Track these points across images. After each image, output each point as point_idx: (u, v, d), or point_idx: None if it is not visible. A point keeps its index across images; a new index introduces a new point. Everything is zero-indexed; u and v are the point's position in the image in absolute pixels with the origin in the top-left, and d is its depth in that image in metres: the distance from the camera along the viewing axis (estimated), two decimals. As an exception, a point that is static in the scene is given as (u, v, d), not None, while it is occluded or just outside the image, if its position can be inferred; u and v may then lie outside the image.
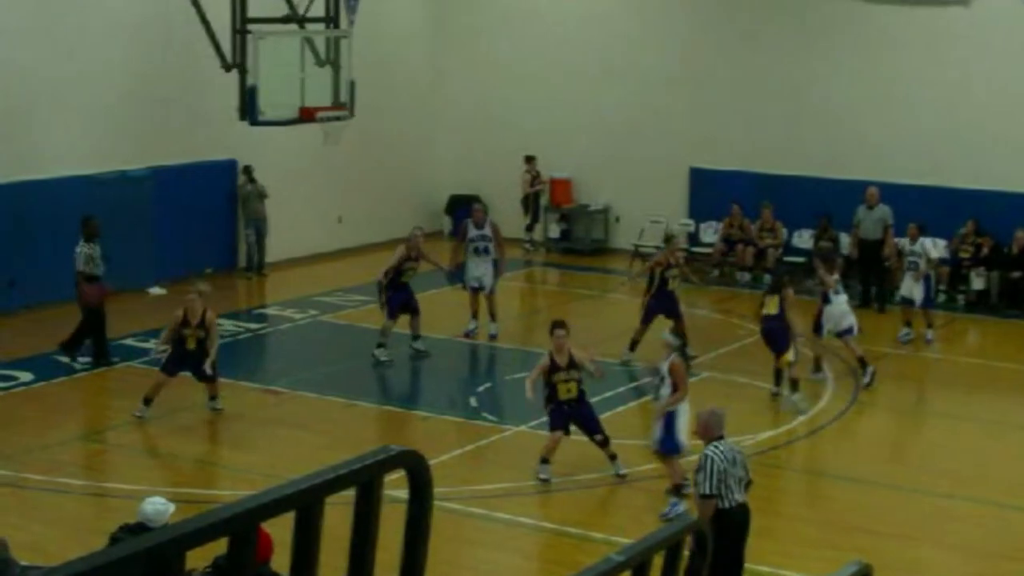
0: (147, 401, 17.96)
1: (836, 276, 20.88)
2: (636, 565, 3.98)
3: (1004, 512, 15.90)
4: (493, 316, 22.85)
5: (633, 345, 21.28)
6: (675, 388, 15.20)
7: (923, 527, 15.63)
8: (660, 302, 21.19)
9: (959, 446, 18.24)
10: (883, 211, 26.09)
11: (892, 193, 26.24)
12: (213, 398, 18.36)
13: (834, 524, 15.22)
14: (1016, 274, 25.97)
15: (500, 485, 16.13)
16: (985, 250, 26.40)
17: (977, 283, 26.07)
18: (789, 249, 28.35)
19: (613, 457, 16.22)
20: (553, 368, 16.16)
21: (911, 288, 23.46)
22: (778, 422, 18.72)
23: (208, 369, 18.15)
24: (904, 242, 24.08)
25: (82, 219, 21.03)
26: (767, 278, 27.72)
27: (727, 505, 11.89)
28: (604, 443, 16.17)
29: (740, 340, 23.10)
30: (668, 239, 22.27)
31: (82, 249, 20.63)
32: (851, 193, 26.57)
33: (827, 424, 18.89)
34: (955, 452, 17.87)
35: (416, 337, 21.76)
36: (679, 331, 17.30)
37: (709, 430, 12.23)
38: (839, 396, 20.10)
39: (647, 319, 21.17)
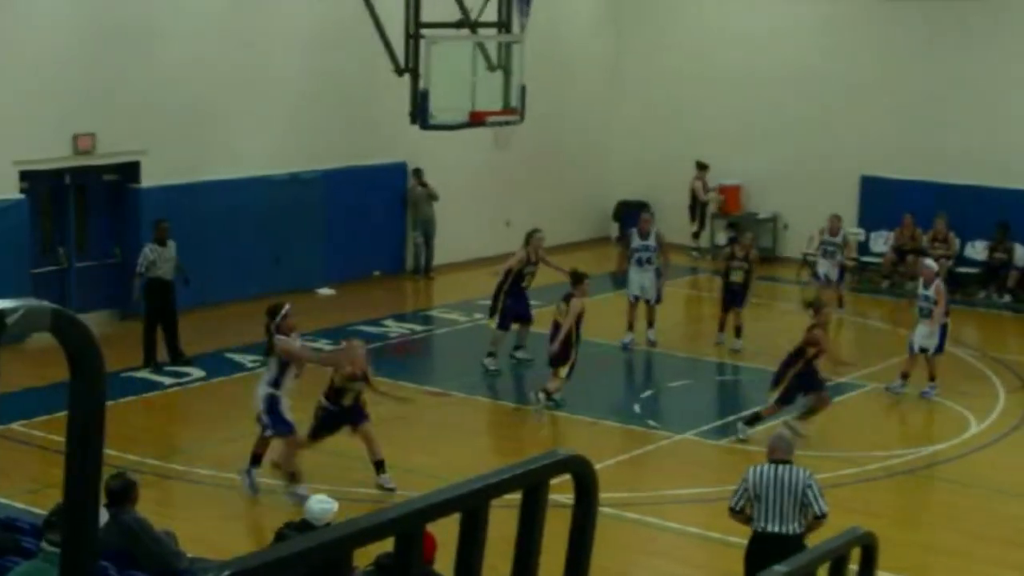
0: (292, 477, 15.58)
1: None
2: (801, 577, 3.94)
3: None
4: (651, 323, 22.71)
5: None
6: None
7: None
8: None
9: None
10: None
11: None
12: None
13: (1007, 541, 14.90)
14: None
15: (665, 492, 16.07)
16: None
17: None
18: (962, 260, 27.81)
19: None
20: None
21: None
22: (944, 436, 18.37)
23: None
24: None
25: (154, 223, 21.19)
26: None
27: (757, 528, 11.62)
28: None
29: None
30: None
31: (146, 251, 20.74)
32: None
33: (998, 440, 18.50)
34: None
35: (519, 347, 21.49)
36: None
37: (770, 451, 11.95)
38: (1010, 411, 19.69)
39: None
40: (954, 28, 28.32)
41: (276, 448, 15.60)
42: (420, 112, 21.54)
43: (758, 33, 30.44)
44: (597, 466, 3.47)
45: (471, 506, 3.25)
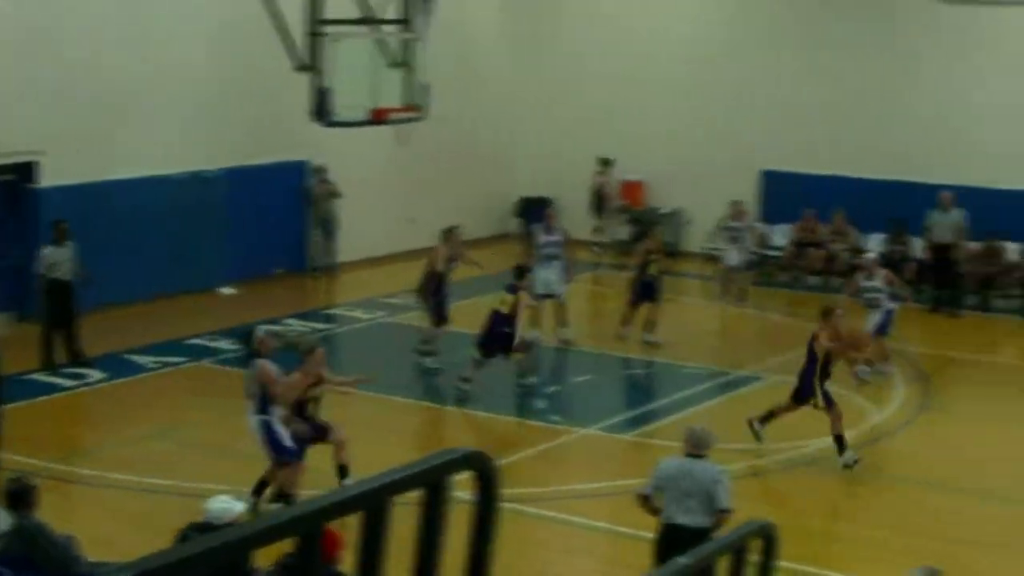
0: (287, 499, 14.83)
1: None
2: (702, 569, 3.98)
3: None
4: (564, 322, 22.74)
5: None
6: None
7: (996, 533, 15.50)
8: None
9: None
10: (957, 215, 25.91)
11: (970, 197, 26.07)
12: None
13: (906, 528, 15.09)
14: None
15: (570, 487, 16.13)
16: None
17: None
18: (861, 253, 28.13)
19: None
20: None
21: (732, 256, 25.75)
22: (845, 425, 18.57)
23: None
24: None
25: (52, 224, 20.90)
26: (837, 282, 27.66)
27: (665, 519, 11.72)
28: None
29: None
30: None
31: (44, 253, 20.55)
32: (927, 197, 26.39)
33: (898, 429, 18.76)
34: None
35: (427, 342, 21.61)
36: None
37: (683, 444, 12.06)
38: (910, 401, 19.97)
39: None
40: (850, 24, 28.66)
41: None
42: (322, 109, 21.46)
43: (659, 29, 30.65)
44: (501, 462, 3.48)
45: (372, 505, 3.24)
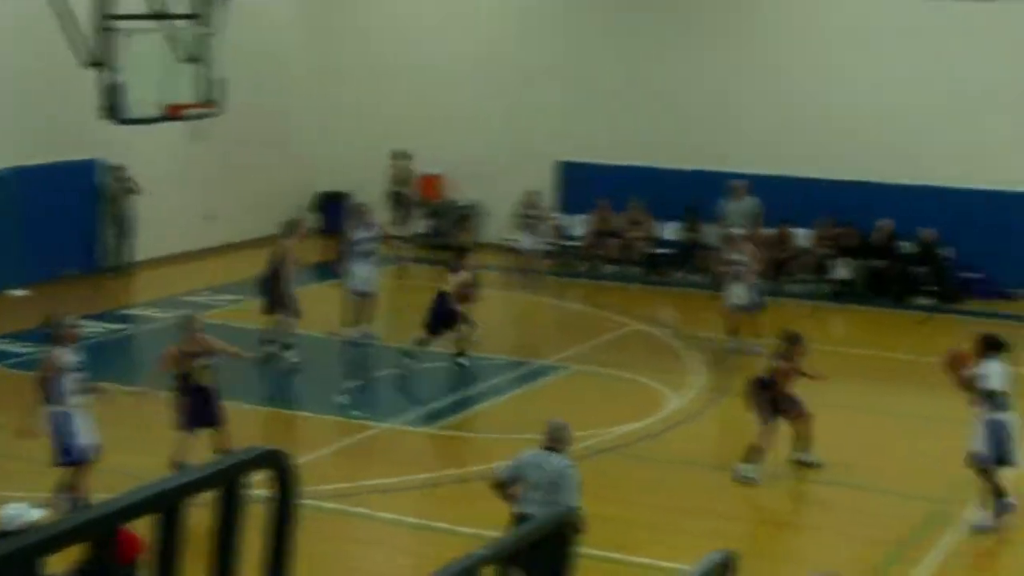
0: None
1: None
2: (501, 560, 4.01)
3: (879, 497, 16.14)
4: (370, 318, 22.70)
5: None
6: None
7: (799, 514, 15.88)
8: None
9: (831, 433, 18.44)
10: (750, 203, 26.46)
11: (762, 185, 26.66)
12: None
13: (708, 512, 15.36)
14: (880, 263, 26.51)
15: (371, 482, 16.08)
16: (849, 240, 26.89)
17: (842, 272, 26.52)
18: (657, 242, 28.65)
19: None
20: None
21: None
22: (643, 414, 18.83)
23: None
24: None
25: None
26: (635, 271, 28.09)
27: (516, 510, 11.81)
28: None
29: (608, 333, 23.36)
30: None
31: None
32: (720, 185, 26.93)
33: (695, 415, 19.08)
34: (828, 439, 18.06)
35: (271, 341, 21.42)
36: None
37: (545, 436, 12.19)
38: (706, 386, 20.34)
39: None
40: (643, 15, 29.07)
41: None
42: (113, 106, 21.07)
43: (451, 21, 30.75)
44: (301, 460, 3.47)
45: (167, 505, 3.21)
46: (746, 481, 16.15)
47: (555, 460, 11.78)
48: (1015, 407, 14.82)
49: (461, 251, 21.73)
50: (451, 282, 20.82)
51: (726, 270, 22.47)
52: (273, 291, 21.04)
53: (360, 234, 22.68)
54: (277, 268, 20.98)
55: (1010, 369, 14.85)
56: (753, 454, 16.25)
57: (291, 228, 21.65)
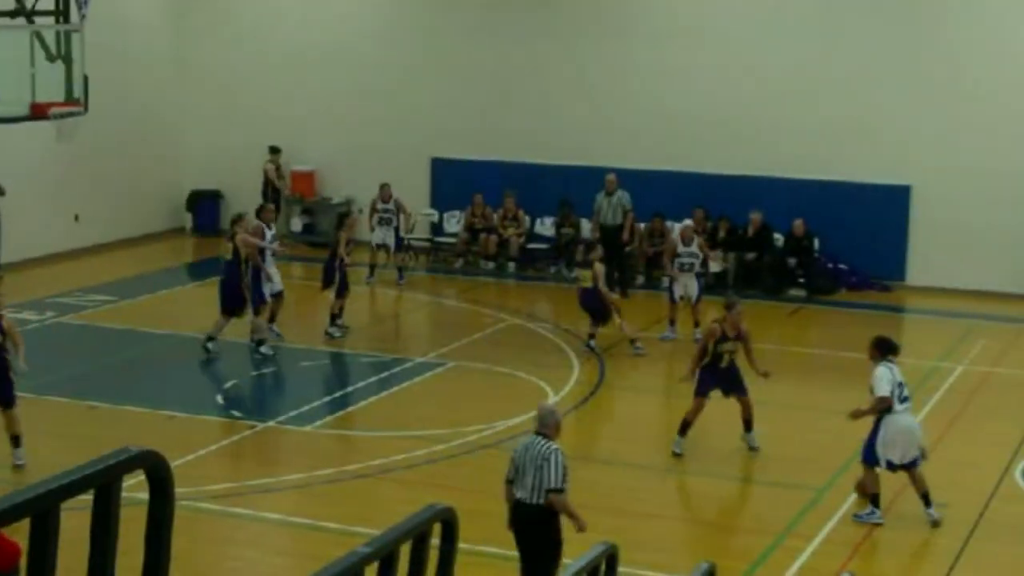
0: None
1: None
2: (383, 556, 3.98)
3: (752, 488, 16.31)
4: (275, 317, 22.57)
5: None
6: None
7: (673, 505, 15.99)
8: None
9: (709, 425, 18.60)
10: (621, 197, 26.63)
11: (633, 179, 26.82)
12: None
13: (587, 506, 15.41)
14: (752, 256, 26.82)
15: (249, 482, 15.96)
16: (722, 233, 27.16)
17: (714, 266, 26.75)
18: (532, 237, 28.75)
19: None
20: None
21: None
22: (522, 409, 18.86)
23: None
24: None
25: None
26: (511, 266, 28.17)
27: (512, 497, 11.94)
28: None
29: (485, 328, 23.39)
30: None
31: None
32: (593, 180, 27.05)
33: (578, 406, 19.15)
34: (705, 431, 18.21)
35: (212, 338, 21.47)
36: None
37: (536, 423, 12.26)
38: (584, 380, 20.43)
39: None
40: (513, 12, 29.13)
41: None
42: (-25, 106, 20.70)
43: (320, 16, 30.59)
44: (180, 460, 3.43)
45: (39, 509, 3.14)
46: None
47: (540, 443, 11.88)
48: (909, 408, 14.97)
49: (344, 219, 23.06)
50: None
51: (671, 265, 23.13)
52: (239, 285, 21.19)
53: (270, 234, 22.44)
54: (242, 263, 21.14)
55: (899, 371, 14.96)
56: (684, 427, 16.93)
57: (238, 221, 21.60)
